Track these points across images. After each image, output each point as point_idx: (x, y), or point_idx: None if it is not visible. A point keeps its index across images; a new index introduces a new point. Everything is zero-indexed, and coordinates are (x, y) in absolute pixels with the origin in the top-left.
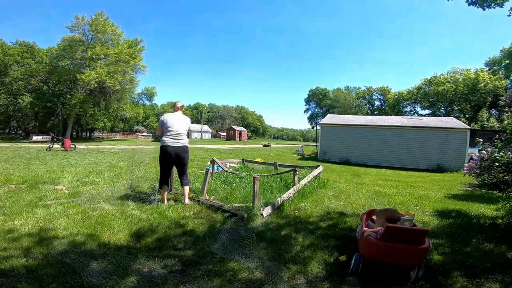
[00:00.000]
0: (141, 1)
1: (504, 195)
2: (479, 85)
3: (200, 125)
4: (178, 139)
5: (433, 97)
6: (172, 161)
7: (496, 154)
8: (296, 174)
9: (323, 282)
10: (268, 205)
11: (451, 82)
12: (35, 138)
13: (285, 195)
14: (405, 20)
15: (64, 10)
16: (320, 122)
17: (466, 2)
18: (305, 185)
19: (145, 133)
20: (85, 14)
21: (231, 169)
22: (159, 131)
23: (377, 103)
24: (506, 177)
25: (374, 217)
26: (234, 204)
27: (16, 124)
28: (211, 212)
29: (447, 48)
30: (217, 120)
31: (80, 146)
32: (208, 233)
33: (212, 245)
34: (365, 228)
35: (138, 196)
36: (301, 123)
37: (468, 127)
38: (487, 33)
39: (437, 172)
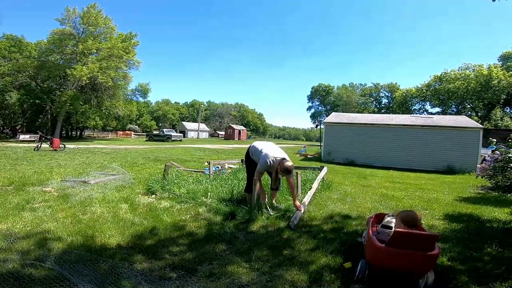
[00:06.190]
0: None
1: None
2: (492, 82)
3: (197, 123)
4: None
5: (444, 94)
6: None
7: (510, 155)
8: (299, 176)
9: None
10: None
11: (462, 79)
12: (22, 137)
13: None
14: (410, 16)
15: (55, 1)
16: (324, 121)
17: None
18: (313, 193)
19: (133, 133)
20: (76, 6)
21: (229, 170)
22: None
23: (384, 100)
24: None
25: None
26: (233, 207)
27: (2, 122)
28: (210, 215)
29: (457, 43)
30: (215, 118)
31: (70, 145)
32: (205, 237)
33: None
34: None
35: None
36: (304, 122)
37: (481, 126)
38: (500, 28)
39: (448, 173)
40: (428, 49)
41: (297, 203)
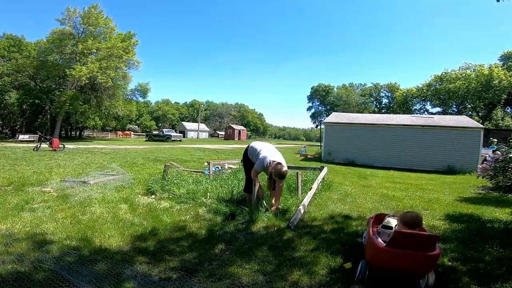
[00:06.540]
0: None
1: None
2: (493, 82)
3: (197, 123)
4: None
5: (444, 94)
6: None
7: (511, 155)
8: (299, 176)
9: None
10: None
11: (463, 79)
12: (21, 137)
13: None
14: (414, 14)
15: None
16: (325, 121)
17: None
18: (313, 193)
19: (132, 133)
20: (77, 6)
21: (229, 170)
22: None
23: (384, 100)
24: None
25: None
26: (233, 207)
27: (1, 122)
28: (210, 215)
29: (459, 42)
30: (215, 118)
31: (69, 145)
32: (205, 238)
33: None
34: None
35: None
36: (304, 122)
37: (482, 126)
38: (502, 27)
39: (448, 174)
40: (428, 48)
41: (275, 208)
